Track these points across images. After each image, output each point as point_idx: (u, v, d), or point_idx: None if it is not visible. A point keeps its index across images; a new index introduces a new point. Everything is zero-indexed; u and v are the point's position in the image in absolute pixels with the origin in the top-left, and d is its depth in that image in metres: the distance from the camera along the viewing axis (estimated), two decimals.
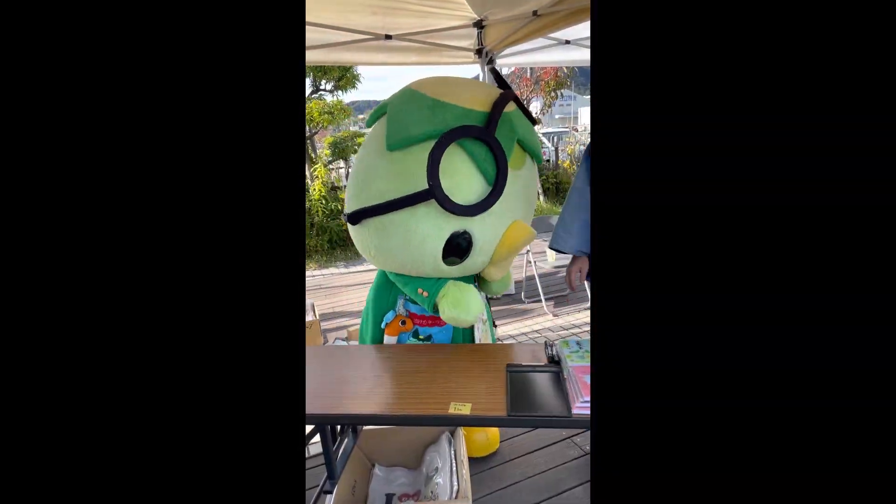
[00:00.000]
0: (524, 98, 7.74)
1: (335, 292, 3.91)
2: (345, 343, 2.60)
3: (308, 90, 5.69)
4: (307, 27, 2.33)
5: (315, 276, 4.51)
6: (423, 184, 1.18)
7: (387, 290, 1.47)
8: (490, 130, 1.20)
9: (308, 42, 2.52)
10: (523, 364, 1.20)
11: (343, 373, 1.24)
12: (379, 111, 1.35)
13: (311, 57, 2.67)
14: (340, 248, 5.15)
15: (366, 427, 1.53)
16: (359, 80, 5.93)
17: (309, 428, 1.22)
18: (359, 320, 1.64)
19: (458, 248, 1.31)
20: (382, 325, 1.45)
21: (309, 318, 2.69)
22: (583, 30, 2.52)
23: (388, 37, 2.55)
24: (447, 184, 1.18)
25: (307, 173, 5.53)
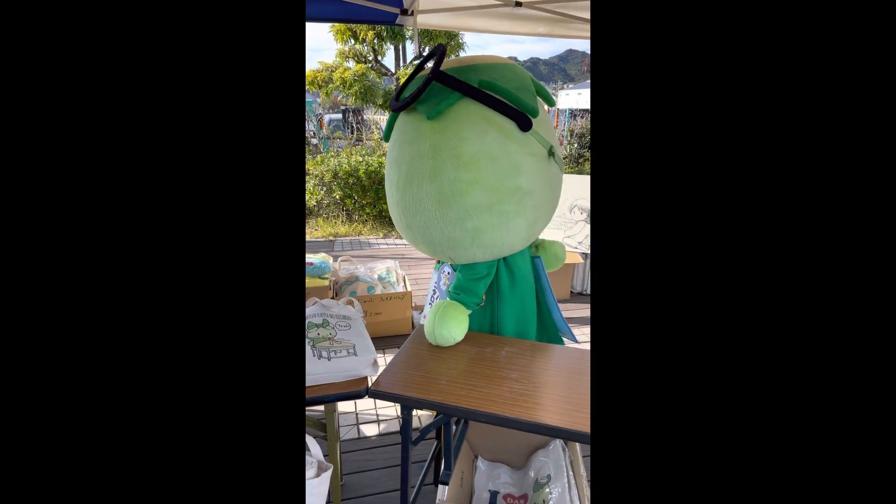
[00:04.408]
0: None
1: None
2: None
3: (410, 56, 5.61)
4: None
5: None
6: None
7: None
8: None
9: (435, 4, 2.40)
10: None
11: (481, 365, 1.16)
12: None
13: (436, 21, 2.55)
14: None
15: None
16: (463, 49, 5.71)
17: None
18: None
19: None
20: None
21: None
22: None
23: (517, 4, 2.37)
24: None
25: None
